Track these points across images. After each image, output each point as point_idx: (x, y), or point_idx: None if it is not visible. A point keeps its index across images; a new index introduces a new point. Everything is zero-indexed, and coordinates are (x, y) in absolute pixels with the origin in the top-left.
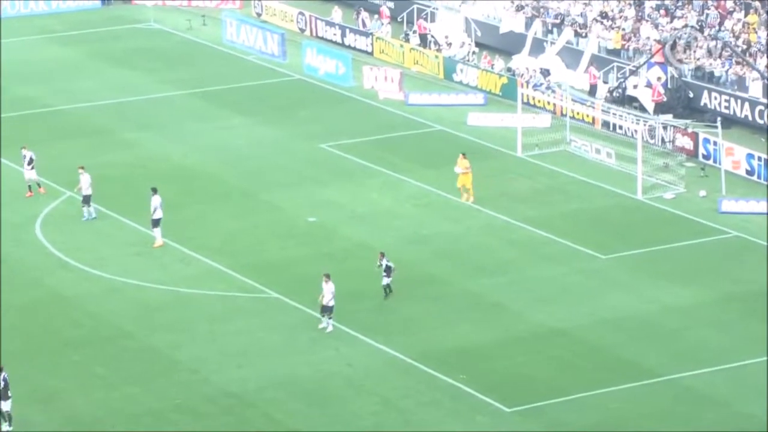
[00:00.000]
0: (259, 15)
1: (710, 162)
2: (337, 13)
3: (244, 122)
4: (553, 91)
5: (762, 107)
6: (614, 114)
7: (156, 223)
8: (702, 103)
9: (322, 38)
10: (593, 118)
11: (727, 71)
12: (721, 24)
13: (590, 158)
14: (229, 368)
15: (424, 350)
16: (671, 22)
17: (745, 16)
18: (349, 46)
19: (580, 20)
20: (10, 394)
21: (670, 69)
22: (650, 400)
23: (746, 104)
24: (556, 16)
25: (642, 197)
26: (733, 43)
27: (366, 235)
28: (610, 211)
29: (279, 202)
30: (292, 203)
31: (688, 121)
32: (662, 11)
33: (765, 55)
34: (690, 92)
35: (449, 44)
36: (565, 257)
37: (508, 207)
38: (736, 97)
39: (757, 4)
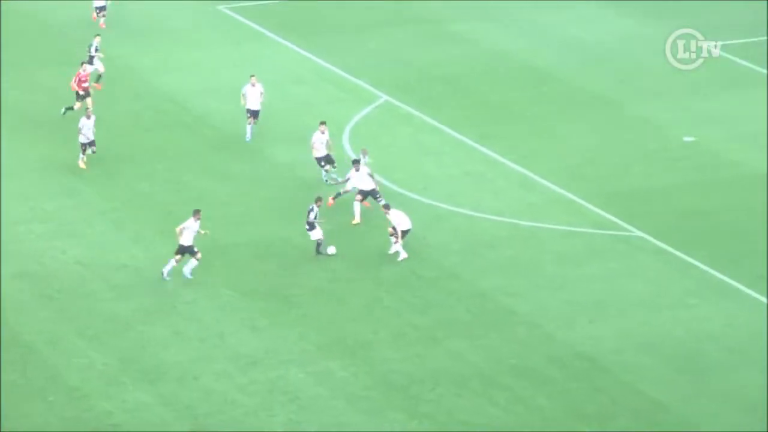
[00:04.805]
0: None
1: None
2: None
3: (607, 13)
4: None
5: None
6: None
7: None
8: None
9: None
10: None
11: None
12: None
13: None
14: (579, 323)
15: None
16: None
17: None
18: None
19: None
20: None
21: None
22: None
23: None
24: None
25: None
26: None
27: (759, 160)
28: None
29: (649, 115)
30: (666, 117)
31: None
32: None
33: None
34: None
35: None
36: None
37: None
38: None
39: None
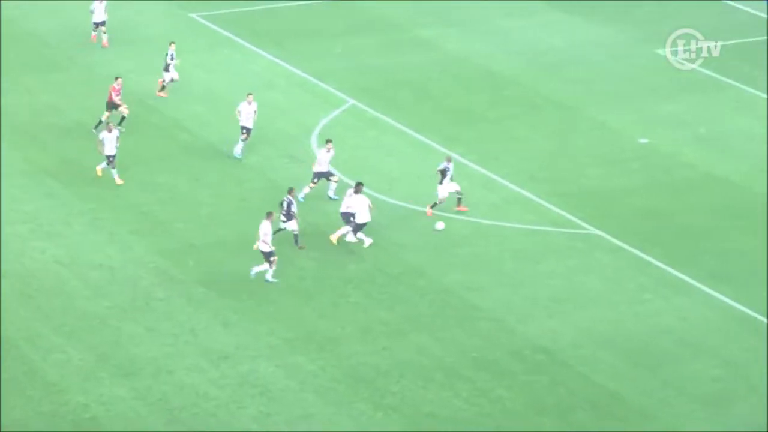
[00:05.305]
0: None
1: None
2: None
3: (565, 19)
4: None
5: None
6: None
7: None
8: None
9: None
10: None
11: None
12: None
13: None
14: (538, 318)
15: None
16: None
17: None
18: None
19: None
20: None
21: None
22: None
23: None
24: None
25: None
26: None
27: (712, 161)
28: None
29: (605, 118)
30: (622, 120)
31: None
32: None
33: None
34: None
35: None
36: None
37: None
38: None
39: None
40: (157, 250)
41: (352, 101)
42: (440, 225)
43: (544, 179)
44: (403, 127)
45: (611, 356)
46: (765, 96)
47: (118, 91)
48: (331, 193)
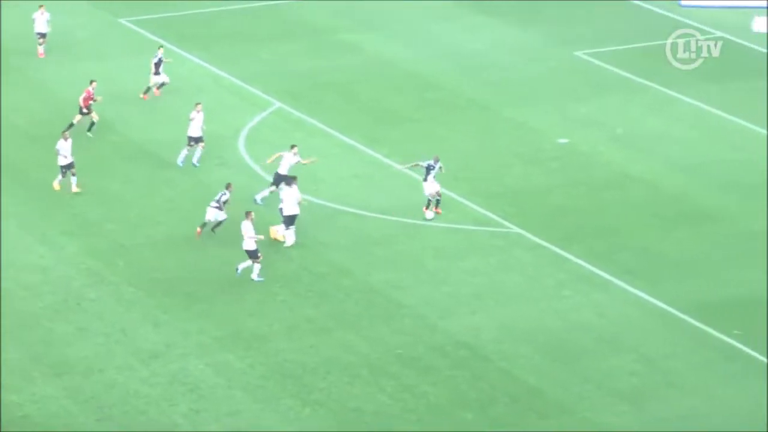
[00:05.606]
0: None
1: None
2: None
3: (486, 22)
4: None
5: None
6: None
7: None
8: None
9: None
10: None
11: None
12: None
13: None
14: (461, 314)
15: (696, 300)
16: None
17: None
18: None
19: None
20: None
21: None
22: None
23: None
24: None
25: None
26: None
27: (629, 161)
28: None
29: (525, 119)
30: (541, 121)
31: None
32: None
33: None
34: None
35: None
36: None
37: None
38: None
39: None
40: (89, 251)
41: (278, 104)
42: (429, 214)
43: (466, 179)
44: (328, 129)
45: (531, 351)
46: (679, 96)
47: (91, 94)
48: (258, 197)
